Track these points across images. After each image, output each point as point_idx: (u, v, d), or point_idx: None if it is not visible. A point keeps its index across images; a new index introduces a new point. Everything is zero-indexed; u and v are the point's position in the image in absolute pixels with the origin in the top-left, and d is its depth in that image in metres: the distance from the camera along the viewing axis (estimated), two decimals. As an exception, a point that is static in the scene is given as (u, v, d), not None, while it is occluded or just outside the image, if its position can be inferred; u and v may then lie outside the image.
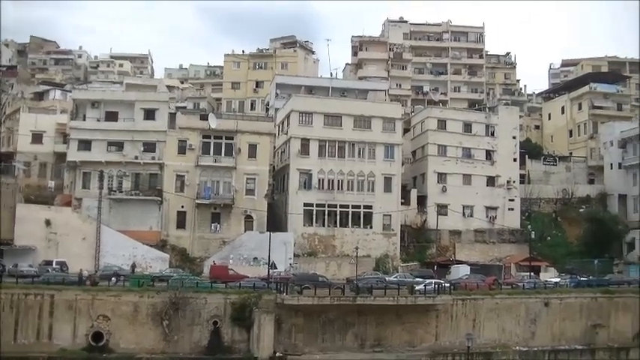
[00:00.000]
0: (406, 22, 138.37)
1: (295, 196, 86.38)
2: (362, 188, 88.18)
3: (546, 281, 77.52)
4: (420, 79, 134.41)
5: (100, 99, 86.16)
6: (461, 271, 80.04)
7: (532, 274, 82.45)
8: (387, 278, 73.07)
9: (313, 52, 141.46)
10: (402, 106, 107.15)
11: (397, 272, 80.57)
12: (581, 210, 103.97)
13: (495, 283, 73.82)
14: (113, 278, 64.30)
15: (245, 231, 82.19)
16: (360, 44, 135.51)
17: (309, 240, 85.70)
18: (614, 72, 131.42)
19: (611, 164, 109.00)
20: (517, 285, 74.75)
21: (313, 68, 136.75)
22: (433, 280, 70.33)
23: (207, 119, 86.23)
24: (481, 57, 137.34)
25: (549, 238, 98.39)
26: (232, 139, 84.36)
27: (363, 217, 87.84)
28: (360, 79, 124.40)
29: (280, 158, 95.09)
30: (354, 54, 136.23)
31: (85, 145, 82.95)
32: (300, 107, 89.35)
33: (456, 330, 64.35)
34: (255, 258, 77.30)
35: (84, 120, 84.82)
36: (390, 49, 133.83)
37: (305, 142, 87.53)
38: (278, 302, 60.52)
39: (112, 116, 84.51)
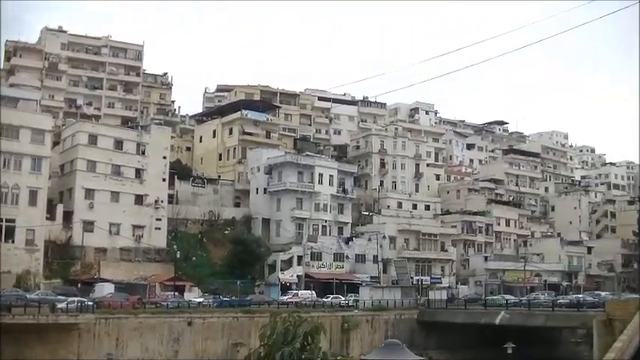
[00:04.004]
0: (65, 32, 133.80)
1: None
2: (5, 201, 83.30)
3: (190, 301, 78.32)
4: (75, 92, 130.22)
5: None
6: (105, 290, 78.40)
7: (177, 293, 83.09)
8: (28, 295, 69.81)
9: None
10: (54, 118, 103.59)
11: (39, 289, 77.27)
12: (227, 232, 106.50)
13: (139, 302, 73.27)
14: None
15: None
16: (14, 50, 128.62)
17: (-55, 254, 79.55)
18: (265, 101, 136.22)
19: (257, 189, 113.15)
20: (161, 304, 74.90)
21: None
22: (76, 299, 68.23)
23: None
24: (138, 75, 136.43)
25: (195, 258, 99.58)
26: None
27: (5, 231, 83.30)
28: (12, 86, 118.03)
29: None
30: (7, 59, 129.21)
31: None
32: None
33: (98, 349, 62.89)
34: None
35: None
36: (45, 58, 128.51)
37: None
38: None
39: None
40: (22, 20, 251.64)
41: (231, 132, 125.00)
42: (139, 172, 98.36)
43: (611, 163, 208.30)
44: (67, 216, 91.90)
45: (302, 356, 11.52)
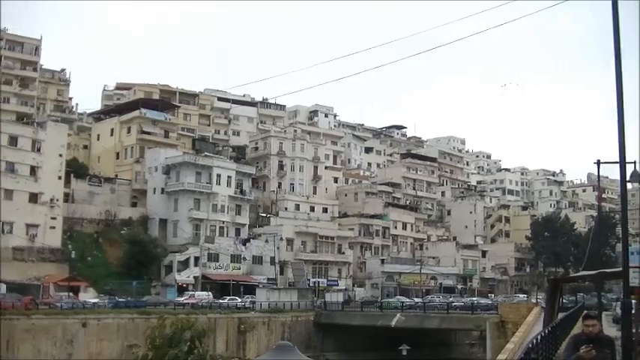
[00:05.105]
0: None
1: None
2: None
3: (85, 302, 77.33)
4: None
5: None
6: (-5, 290, 76.92)
7: (71, 294, 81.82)
8: None
9: None
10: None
11: None
12: (123, 232, 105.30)
13: (32, 303, 71.87)
14: None
15: None
16: None
17: None
18: (164, 100, 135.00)
19: (155, 189, 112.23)
20: (55, 305, 73.66)
21: None
22: (-35, 300, 66.70)
23: None
24: (35, 70, 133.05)
25: (90, 258, 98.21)
26: None
27: None
28: None
29: None
30: None
31: None
32: None
33: (-13, 352, 61.55)
34: None
35: None
36: None
37: None
38: None
39: None
40: None
41: (129, 131, 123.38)
42: (33, 170, 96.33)
43: (506, 169, 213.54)
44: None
45: (187, 359, 11.70)
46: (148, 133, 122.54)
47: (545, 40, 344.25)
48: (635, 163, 33.49)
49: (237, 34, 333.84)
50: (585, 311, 15.26)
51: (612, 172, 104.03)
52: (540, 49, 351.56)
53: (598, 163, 47.45)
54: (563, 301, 52.31)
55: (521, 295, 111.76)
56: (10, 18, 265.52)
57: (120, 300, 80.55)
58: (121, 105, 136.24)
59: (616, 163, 19.41)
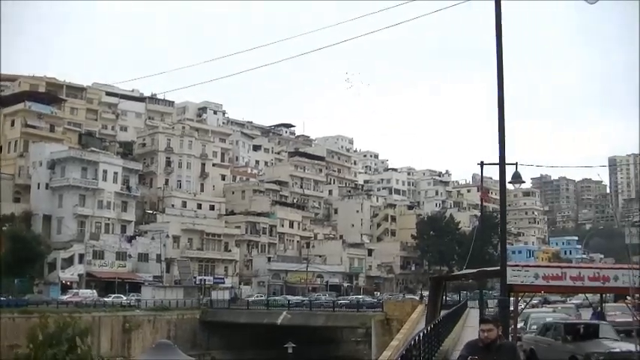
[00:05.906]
0: None
1: None
2: None
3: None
4: None
5: None
6: None
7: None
8: None
9: None
10: None
11: None
12: (5, 228, 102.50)
13: None
14: None
15: None
16: None
17: None
18: (50, 93, 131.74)
19: (39, 184, 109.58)
20: None
21: None
22: None
23: None
24: None
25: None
26: None
27: None
28: None
29: None
30: None
31: None
32: None
33: None
34: None
35: None
36: None
37: None
38: None
39: None
40: None
41: (13, 124, 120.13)
42: None
43: (393, 169, 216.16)
44: None
45: (66, 358, 11.54)
46: (33, 127, 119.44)
47: (442, 40, 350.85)
48: (516, 164, 34.67)
49: (127, 26, 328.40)
50: (484, 315, 15.57)
51: (496, 173, 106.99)
52: (439, 49, 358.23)
53: (481, 164, 48.89)
54: (447, 298, 53.47)
55: (400, 295, 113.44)
56: None
57: (1, 299, 78.39)
58: (5, 97, 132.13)
59: (497, 164, 20.10)
